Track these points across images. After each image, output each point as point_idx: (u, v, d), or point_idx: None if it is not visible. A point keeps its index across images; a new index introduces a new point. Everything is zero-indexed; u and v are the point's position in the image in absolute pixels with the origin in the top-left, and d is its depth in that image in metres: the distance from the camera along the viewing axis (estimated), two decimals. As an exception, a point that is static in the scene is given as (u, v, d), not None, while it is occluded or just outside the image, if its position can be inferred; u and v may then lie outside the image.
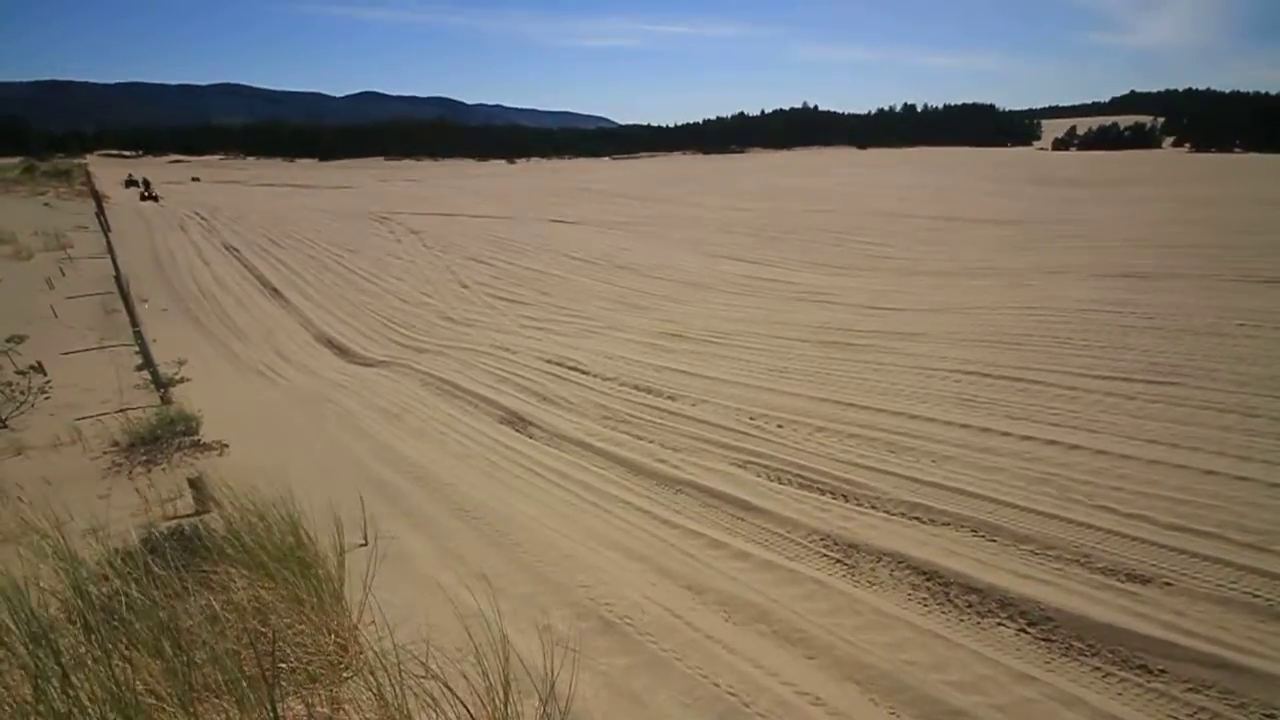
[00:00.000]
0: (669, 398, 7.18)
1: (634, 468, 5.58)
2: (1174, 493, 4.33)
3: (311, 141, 76.11)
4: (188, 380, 8.98)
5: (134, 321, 11.05)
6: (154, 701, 1.67)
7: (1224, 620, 3.18)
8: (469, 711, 1.91)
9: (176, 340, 11.30)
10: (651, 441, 6.08)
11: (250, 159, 70.32)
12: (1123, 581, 3.54)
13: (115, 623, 2.07)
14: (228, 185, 44.71)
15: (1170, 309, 8.90)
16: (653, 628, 3.31)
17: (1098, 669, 2.99)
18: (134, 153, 67.82)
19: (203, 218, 26.22)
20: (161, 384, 8.35)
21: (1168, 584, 3.48)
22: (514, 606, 3.42)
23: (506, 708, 2.03)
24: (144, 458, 6.01)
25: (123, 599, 2.09)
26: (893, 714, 2.73)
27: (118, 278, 14.65)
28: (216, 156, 69.25)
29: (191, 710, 1.67)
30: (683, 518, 4.67)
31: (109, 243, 19.37)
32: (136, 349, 10.04)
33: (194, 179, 46.91)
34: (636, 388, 7.62)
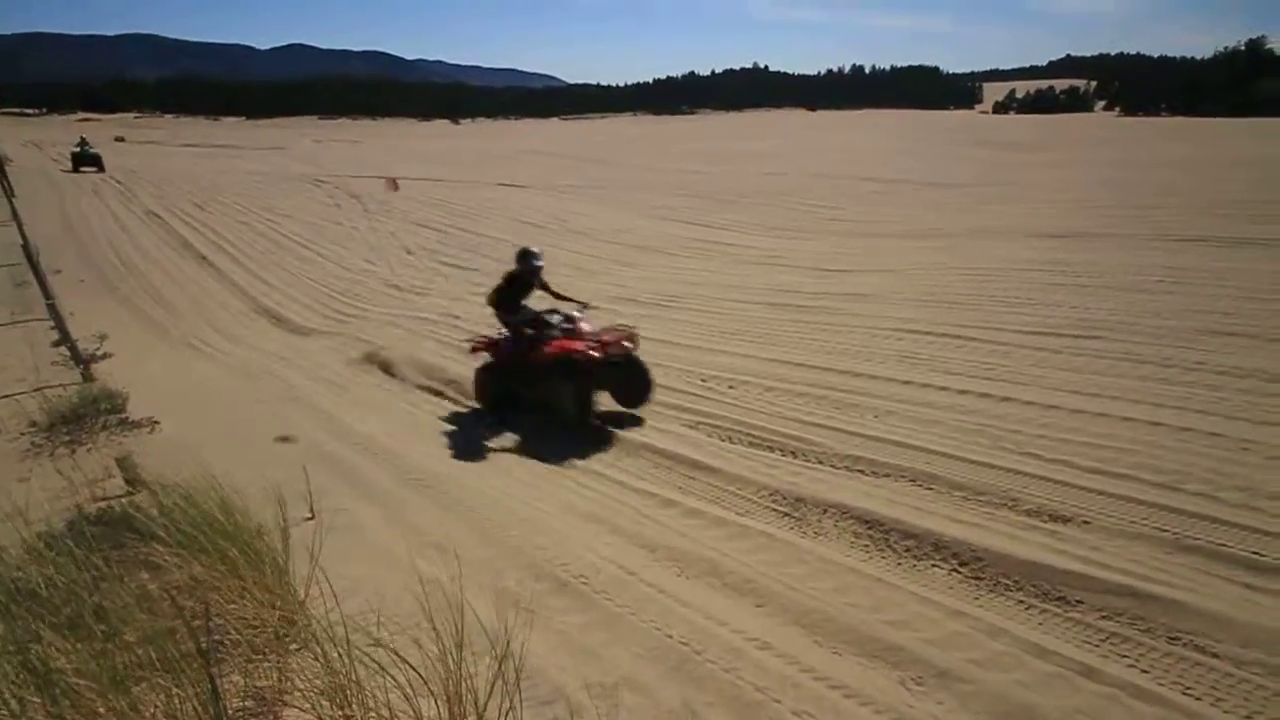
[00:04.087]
0: (622, 362, 7.17)
1: (587, 432, 5.58)
2: (1094, 439, 4.63)
3: (237, 98, 71.29)
4: (111, 355, 8.45)
5: (47, 294, 10.26)
6: (83, 683, 1.61)
7: (1135, 554, 3.45)
8: (419, 674, 1.91)
9: (97, 313, 10.58)
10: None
11: (168, 117, 65.40)
12: (1046, 522, 3.79)
13: (38, 607, 1.97)
14: (145, 146, 41.54)
15: (1097, 267, 9.36)
16: (607, 585, 3.37)
17: (1021, 602, 3.22)
18: (36, 111, 62.07)
19: (119, 181, 24.37)
20: (82, 360, 7.82)
21: (1086, 523, 3.74)
22: (469, 571, 3.40)
23: (460, 669, 2.04)
24: (67, 438, 5.64)
25: (42, 583, 1.99)
26: (835, 653, 2.88)
27: (26, 247, 13.54)
28: (130, 114, 64.06)
29: (124, 688, 1.62)
30: (636, 479, 4.73)
31: (14, 209, 17.82)
32: (52, 324, 9.36)
33: (117, 139, 42.78)
34: (589, 352, 7.58)
